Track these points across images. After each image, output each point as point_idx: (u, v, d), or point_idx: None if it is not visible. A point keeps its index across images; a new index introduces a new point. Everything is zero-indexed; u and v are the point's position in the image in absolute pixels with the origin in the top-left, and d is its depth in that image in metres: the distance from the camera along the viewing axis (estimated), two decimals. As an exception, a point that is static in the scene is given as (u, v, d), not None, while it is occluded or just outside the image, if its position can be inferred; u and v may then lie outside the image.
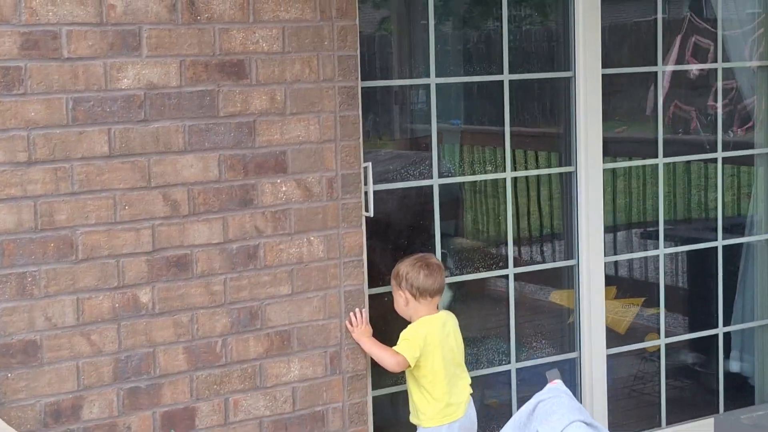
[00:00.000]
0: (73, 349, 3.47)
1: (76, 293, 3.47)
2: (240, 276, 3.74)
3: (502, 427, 4.00)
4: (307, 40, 3.76)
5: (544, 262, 4.81)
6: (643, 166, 4.99)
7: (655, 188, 4.83)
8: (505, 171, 4.43)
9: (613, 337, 4.80)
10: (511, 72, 4.35)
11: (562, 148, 4.58)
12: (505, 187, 4.46)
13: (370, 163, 4.01)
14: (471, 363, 4.29)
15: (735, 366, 5.25)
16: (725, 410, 5.00)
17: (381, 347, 3.92)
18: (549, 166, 4.82)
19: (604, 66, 4.44)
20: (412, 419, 4.04)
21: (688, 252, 5.15)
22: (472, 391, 4.08)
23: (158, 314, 3.61)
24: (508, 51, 4.33)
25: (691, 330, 5.21)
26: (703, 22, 4.79)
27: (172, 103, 3.56)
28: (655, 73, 4.67)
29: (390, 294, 4.10)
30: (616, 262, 5.06)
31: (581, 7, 4.39)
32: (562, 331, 4.85)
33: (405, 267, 3.95)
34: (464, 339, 4.10)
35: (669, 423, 4.92)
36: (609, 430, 4.52)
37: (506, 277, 4.49)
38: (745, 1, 4.93)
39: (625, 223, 5.19)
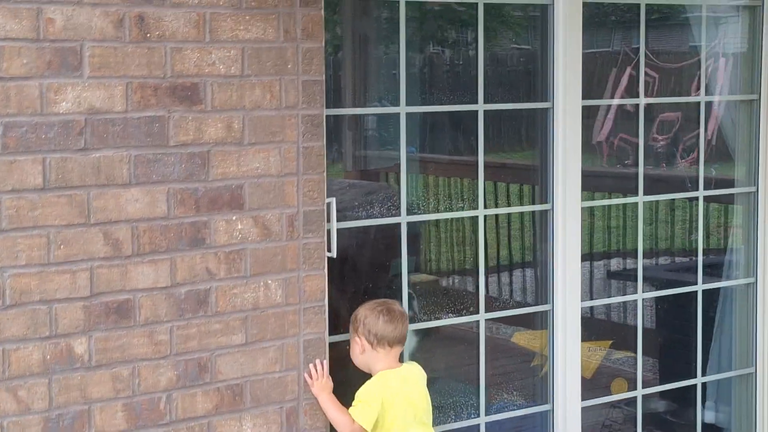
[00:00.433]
0: (-3, 408, 3.10)
1: (2, 344, 3.11)
2: (188, 324, 3.40)
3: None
4: (268, 62, 3.44)
5: (517, 305, 4.53)
6: (623, 205, 4.76)
7: (631, 226, 4.59)
8: (477, 208, 4.15)
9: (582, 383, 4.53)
10: (486, 101, 4.08)
11: (538, 183, 4.31)
12: (476, 225, 4.18)
13: (334, 199, 3.70)
14: (435, 417, 3.99)
15: (710, 416, 5.02)
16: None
17: (338, 408, 3.59)
18: (524, 202, 4.54)
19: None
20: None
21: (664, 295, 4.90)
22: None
23: (95, 367, 3.26)
24: (484, 79, 4.05)
25: (665, 377, 4.96)
26: (651, 54, 4.59)
27: (117, 130, 3.22)
28: (608, 106, 4.45)
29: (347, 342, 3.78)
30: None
31: (561, 35, 4.13)
32: (534, 380, 4.57)
33: (364, 311, 3.67)
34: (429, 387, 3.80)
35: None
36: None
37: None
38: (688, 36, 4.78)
39: (600, 262, 4.94)
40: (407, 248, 3.98)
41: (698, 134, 4.70)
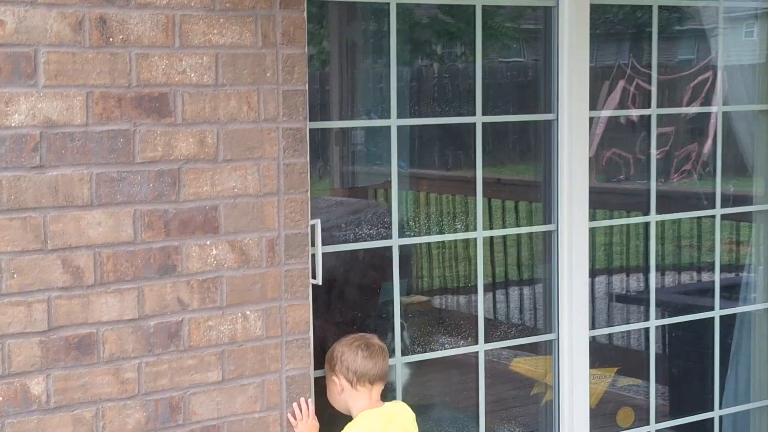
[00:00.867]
0: (-59, 457, 2.82)
1: (-53, 385, 2.83)
2: (158, 360, 3.12)
3: None
4: (245, 70, 3.17)
5: (519, 334, 4.25)
6: (632, 224, 4.49)
7: (641, 245, 4.33)
8: (475, 229, 3.88)
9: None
10: (485, 113, 3.81)
11: (541, 202, 4.04)
12: (475, 247, 3.90)
13: (319, 221, 3.43)
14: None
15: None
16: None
17: None
18: (526, 221, 4.27)
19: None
20: None
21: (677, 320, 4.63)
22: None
23: (54, 409, 2.98)
24: (482, 89, 3.79)
25: (678, 409, 4.67)
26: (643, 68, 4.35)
27: (76, 145, 2.95)
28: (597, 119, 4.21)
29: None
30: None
31: (566, 40, 3.87)
32: (537, 410, 4.29)
33: (340, 347, 3.40)
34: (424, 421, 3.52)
35: None
36: None
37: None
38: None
39: (607, 283, 4.65)
40: (399, 272, 3.70)
41: (699, 148, 4.46)
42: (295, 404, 3.33)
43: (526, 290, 4.39)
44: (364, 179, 4.28)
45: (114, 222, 3.03)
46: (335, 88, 3.94)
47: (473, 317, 3.95)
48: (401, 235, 3.77)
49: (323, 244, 3.45)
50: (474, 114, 3.82)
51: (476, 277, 3.90)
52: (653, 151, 4.24)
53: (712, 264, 4.45)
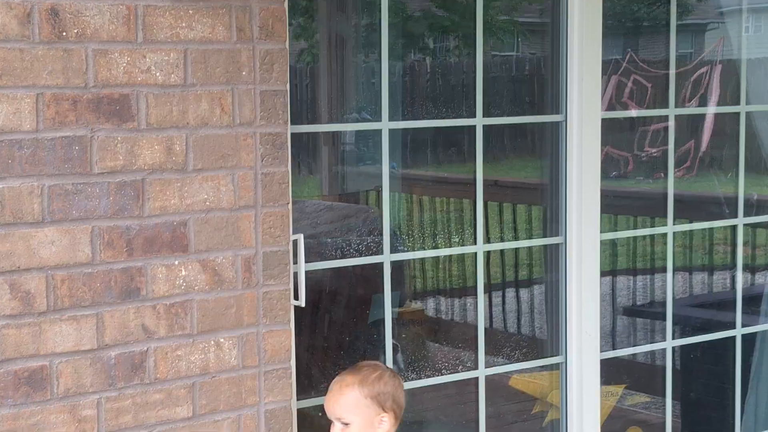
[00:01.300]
0: None
1: None
2: (120, 395, 2.82)
3: None
4: (218, 68, 2.87)
5: (524, 357, 3.95)
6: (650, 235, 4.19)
7: (656, 253, 4.04)
8: (475, 243, 3.58)
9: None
10: (486, 114, 3.51)
11: (549, 209, 3.74)
12: (474, 261, 3.60)
13: (302, 236, 3.13)
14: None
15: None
16: None
17: None
18: (532, 230, 3.97)
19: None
20: None
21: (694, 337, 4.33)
22: None
23: (1, 452, 2.68)
24: (483, 87, 3.49)
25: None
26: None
27: (25, 154, 2.64)
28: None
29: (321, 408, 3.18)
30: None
31: (576, 34, 3.57)
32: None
33: (384, 382, 2.97)
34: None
35: None
36: None
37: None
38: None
39: (619, 294, 4.35)
40: (391, 286, 3.40)
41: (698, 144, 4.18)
42: None
43: (532, 306, 4.09)
44: (354, 184, 3.99)
45: (69, 241, 2.72)
46: (321, 87, 3.64)
47: (472, 339, 3.65)
48: (393, 248, 3.46)
49: (307, 260, 3.15)
50: (474, 115, 3.52)
51: (477, 293, 3.60)
52: (671, 153, 3.94)
53: (733, 276, 4.15)
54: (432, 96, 3.92)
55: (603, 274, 3.71)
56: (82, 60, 2.69)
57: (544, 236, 3.82)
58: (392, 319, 3.42)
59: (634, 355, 4.57)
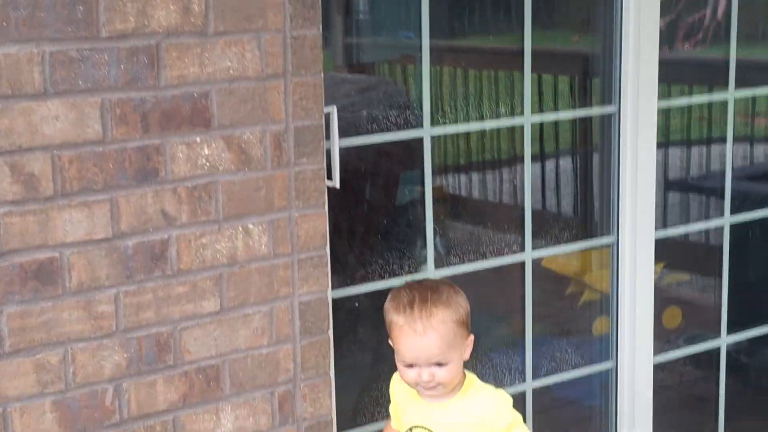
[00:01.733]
0: None
1: None
2: (140, 288, 2.56)
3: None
4: None
5: (573, 238, 3.66)
6: (706, 104, 3.88)
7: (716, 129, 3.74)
8: (522, 113, 3.28)
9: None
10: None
11: (600, 81, 3.43)
12: (520, 135, 3.32)
13: (335, 108, 2.83)
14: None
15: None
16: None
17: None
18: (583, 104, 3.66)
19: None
20: None
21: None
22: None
23: (10, 354, 2.45)
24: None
25: (747, 319, 4.13)
26: None
27: (21, 15, 2.33)
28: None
29: (361, 299, 2.95)
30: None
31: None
32: (591, 328, 3.78)
33: (463, 296, 2.48)
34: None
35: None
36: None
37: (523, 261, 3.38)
38: None
39: (672, 170, 4.04)
40: (432, 169, 3.12)
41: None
42: None
43: (580, 185, 3.80)
44: (382, 53, 3.66)
45: (76, 115, 2.42)
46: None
47: (518, 220, 3.39)
48: (434, 122, 3.16)
49: (340, 136, 2.86)
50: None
51: (523, 171, 3.33)
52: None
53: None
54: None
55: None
56: None
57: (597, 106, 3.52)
58: (432, 199, 3.15)
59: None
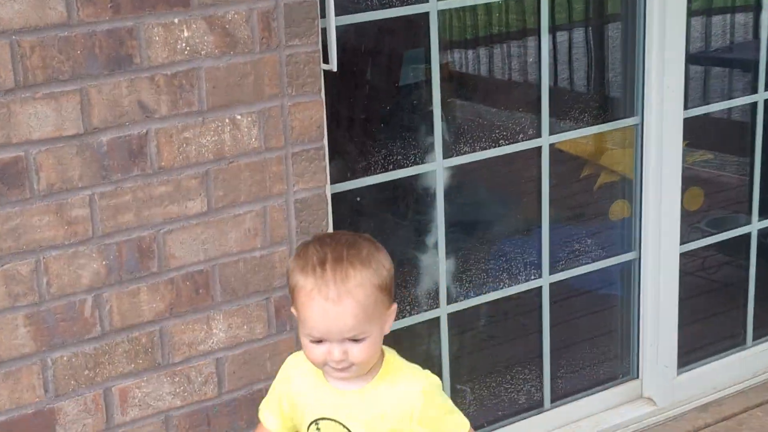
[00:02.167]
0: None
1: None
2: (118, 189, 2.36)
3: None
4: None
5: (594, 119, 3.42)
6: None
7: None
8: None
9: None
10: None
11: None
12: (536, 7, 3.06)
13: (329, -21, 2.57)
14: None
15: None
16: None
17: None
18: None
19: None
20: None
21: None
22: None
23: (-25, 265, 2.24)
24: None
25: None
26: None
27: None
28: None
29: (363, 193, 2.73)
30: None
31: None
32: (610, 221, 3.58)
33: (385, 255, 2.02)
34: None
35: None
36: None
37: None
38: None
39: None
40: (438, 46, 2.87)
41: None
42: None
43: (601, 60, 3.54)
44: None
45: (36, -5, 2.18)
46: None
47: (533, 101, 3.15)
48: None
49: (337, 13, 2.60)
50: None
51: (538, 43, 3.07)
52: None
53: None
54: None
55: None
56: None
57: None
58: (439, 78, 2.91)
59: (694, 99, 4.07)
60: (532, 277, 3.30)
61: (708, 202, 3.91)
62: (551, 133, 3.16)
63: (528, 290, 3.30)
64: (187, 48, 2.36)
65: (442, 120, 2.94)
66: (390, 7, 2.83)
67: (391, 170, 2.92)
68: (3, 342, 2.32)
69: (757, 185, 3.66)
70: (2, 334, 2.31)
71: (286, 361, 2.18)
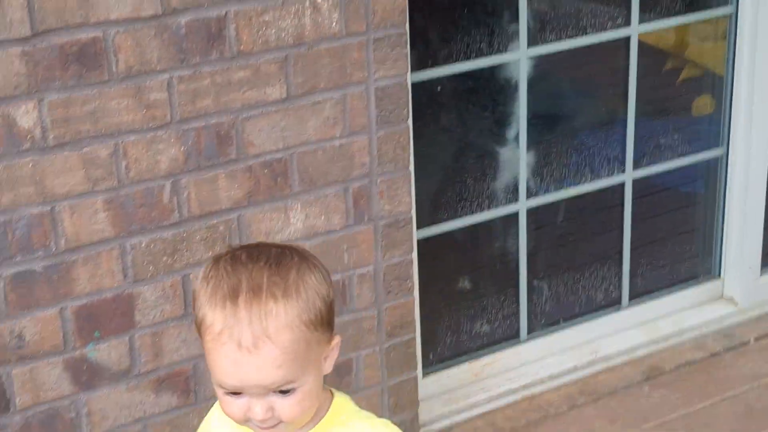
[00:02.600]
0: None
1: None
2: (196, 73, 2.35)
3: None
4: None
5: (684, 11, 3.33)
6: None
7: None
8: None
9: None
10: None
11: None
12: None
13: None
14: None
15: None
16: None
17: None
18: None
19: None
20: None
21: None
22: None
23: (54, 147, 2.27)
24: None
25: None
26: None
27: None
28: None
29: (444, 82, 2.68)
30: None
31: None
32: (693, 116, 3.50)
33: (320, 273, 1.55)
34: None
35: None
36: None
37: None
38: None
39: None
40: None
41: None
42: None
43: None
44: None
45: None
46: None
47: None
48: None
49: None
50: None
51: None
52: None
53: None
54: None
55: None
56: None
57: None
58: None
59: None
60: (616, 173, 3.25)
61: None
62: (640, 22, 3.08)
63: (609, 186, 3.25)
64: (268, -74, 2.31)
65: (527, 6, 2.88)
66: None
67: (473, 59, 2.87)
68: (83, 226, 2.34)
69: None
70: (82, 218, 2.33)
71: (209, 413, 1.75)
